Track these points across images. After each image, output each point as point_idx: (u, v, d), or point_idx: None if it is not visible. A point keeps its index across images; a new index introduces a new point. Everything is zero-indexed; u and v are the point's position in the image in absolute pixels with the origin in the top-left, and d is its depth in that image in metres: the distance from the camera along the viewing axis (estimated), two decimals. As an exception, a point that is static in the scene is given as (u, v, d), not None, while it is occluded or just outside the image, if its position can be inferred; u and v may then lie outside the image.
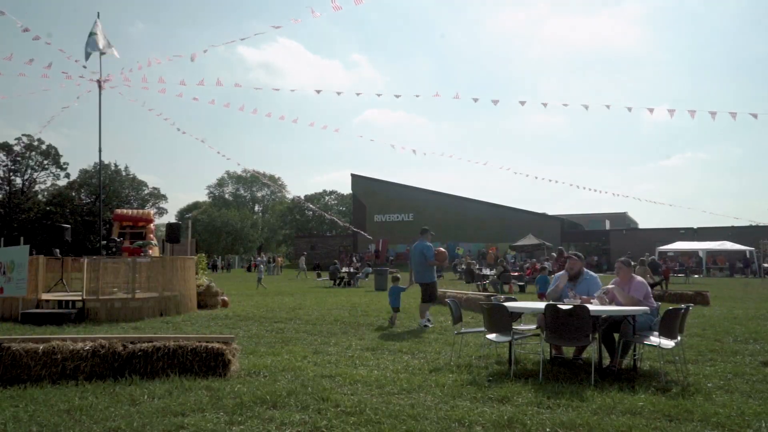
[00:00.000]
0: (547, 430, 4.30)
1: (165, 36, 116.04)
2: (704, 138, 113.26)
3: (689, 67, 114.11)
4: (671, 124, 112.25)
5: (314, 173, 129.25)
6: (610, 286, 6.76)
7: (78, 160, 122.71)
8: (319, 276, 33.63)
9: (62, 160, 64.15)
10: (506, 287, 20.54)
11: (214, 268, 50.93)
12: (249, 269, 54.56)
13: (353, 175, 59.44)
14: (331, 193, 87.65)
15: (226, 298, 14.87)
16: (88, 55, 17.12)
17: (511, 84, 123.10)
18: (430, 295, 10.63)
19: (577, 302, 6.36)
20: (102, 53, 17.22)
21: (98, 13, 17.43)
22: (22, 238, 12.95)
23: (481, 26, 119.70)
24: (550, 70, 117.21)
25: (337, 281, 26.01)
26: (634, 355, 6.39)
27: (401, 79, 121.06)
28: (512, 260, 40.32)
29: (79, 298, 11.66)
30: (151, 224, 18.21)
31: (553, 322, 6.04)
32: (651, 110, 15.36)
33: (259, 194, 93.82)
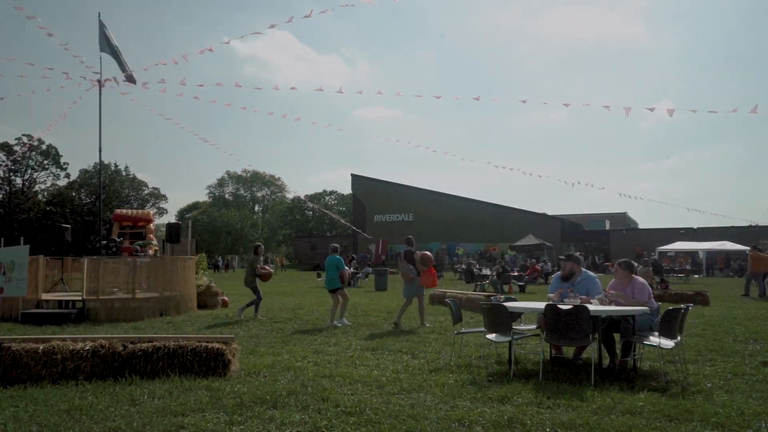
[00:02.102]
0: (547, 430, 4.30)
1: (144, 24, 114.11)
2: (705, 137, 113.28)
3: (692, 62, 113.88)
4: (672, 123, 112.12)
5: (313, 173, 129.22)
6: (611, 291, 6.76)
7: (78, 160, 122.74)
8: (319, 276, 33.63)
9: (62, 160, 64.24)
10: (506, 287, 20.54)
11: (215, 268, 51.00)
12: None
13: (353, 175, 59.45)
14: (331, 193, 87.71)
15: (226, 298, 14.88)
16: (124, 70, 17.03)
17: (510, 81, 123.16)
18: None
19: (577, 302, 6.36)
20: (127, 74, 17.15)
21: (99, 13, 17.41)
22: (22, 238, 12.94)
23: (478, 21, 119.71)
24: (549, 66, 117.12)
25: (337, 281, 25.97)
26: (634, 355, 6.39)
27: (398, 74, 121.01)
28: (511, 260, 40.33)
29: (79, 298, 11.67)
30: (151, 224, 18.21)
31: (553, 322, 6.04)
32: (651, 109, 15.30)
33: (259, 194, 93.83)
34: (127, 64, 17.12)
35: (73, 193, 63.86)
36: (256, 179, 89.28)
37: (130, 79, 17.11)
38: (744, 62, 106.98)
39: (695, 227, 45.59)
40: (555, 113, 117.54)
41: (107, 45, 16.81)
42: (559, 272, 7.52)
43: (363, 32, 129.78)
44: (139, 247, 16.08)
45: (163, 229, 22.76)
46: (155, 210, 67.64)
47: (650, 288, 6.95)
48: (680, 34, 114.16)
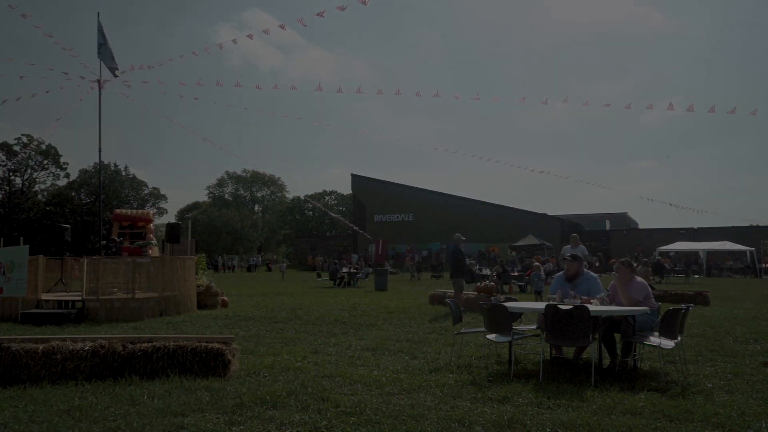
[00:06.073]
0: (547, 430, 4.30)
1: (131, 17, 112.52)
2: (706, 136, 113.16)
3: (701, 57, 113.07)
4: (674, 121, 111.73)
5: (313, 173, 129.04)
6: (610, 290, 6.76)
7: (78, 160, 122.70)
8: (319, 276, 33.65)
9: (62, 160, 64.26)
10: (506, 287, 20.53)
11: (215, 268, 51.08)
12: (249, 269, 54.87)
13: (353, 175, 59.46)
14: (331, 193, 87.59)
15: (226, 298, 14.87)
16: (112, 69, 17.04)
17: (510, 76, 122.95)
18: None
19: (577, 302, 6.36)
20: (116, 69, 17.16)
21: (98, 13, 17.39)
22: (22, 238, 12.94)
23: (478, 16, 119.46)
24: (551, 57, 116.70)
25: (337, 281, 26.04)
26: (634, 355, 6.39)
27: (397, 71, 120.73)
28: (514, 260, 40.32)
29: (79, 298, 11.66)
30: (151, 224, 18.19)
31: (553, 322, 6.04)
32: (649, 107, 15.28)
33: (259, 194, 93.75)
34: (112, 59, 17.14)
35: (73, 193, 63.89)
36: (256, 179, 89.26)
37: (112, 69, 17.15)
38: (754, 60, 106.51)
39: (695, 227, 45.63)
40: (556, 112, 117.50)
41: (103, 45, 16.80)
42: (560, 272, 7.51)
43: (360, 27, 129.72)
44: (142, 248, 16.07)
45: (163, 229, 22.76)
46: (155, 210, 67.69)
47: (650, 288, 6.95)
48: (698, 22, 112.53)
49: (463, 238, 13.15)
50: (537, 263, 11.81)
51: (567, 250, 12.61)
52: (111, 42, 17.23)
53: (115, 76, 17.44)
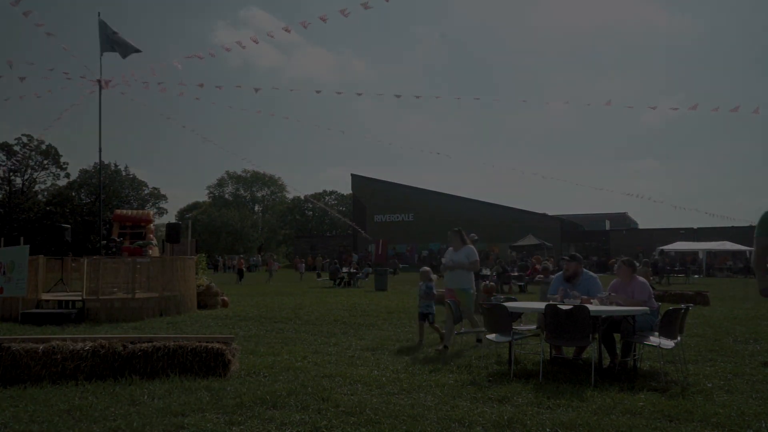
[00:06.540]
0: (547, 430, 4.30)
1: (124, 10, 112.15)
2: (707, 136, 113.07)
3: (703, 56, 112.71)
4: (675, 121, 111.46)
5: (313, 171, 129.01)
6: (612, 294, 6.76)
7: (78, 160, 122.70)
8: (319, 276, 33.67)
9: (62, 160, 64.28)
10: (506, 287, 20.54)
11: (215, 268, 51.08)
12: (249, 269, 54.93)
13: (353, 175, 59.48)
14: (331, 193, 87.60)
15: (226, 298, 14.87)
16: (124, 49, 17.01)
17: (511, 75, 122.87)
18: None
19: (577, 302, 6.36)
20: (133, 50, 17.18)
21: (99, 12, 17.38)
22: (22, 238, 12.93)
23: (478, 15, 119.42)
24: (551, 57, 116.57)
25: (337, 281, 26.05)
26: (634, 355, 6.39)
27: (396, 71, 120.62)
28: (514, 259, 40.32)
29: (79, 298, 11.67)
30: (151, 224, 18.21)
31: (553, 322, 6.04)
32: (653, 108, 15.29)
33: (259, 194, 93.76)
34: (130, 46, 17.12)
35: (73, 193, 63.91)
36: (256, 179, 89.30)
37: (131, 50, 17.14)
38: (755, 59, 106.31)
39: (695, 227, 45.63)
40: (556, 110, 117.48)
41: (109, 41, 16.79)
42: (560, 272, 7.52)
43: (359, 26, 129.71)
44: (142, 248, 16.08)
45: (163, 229, 22.76)
46: (155, 210, 67.68)
47: (651, 288, 6.95)
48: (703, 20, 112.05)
49: (476, 237, 11.37)
50: (426, 268, 8.85)
51: (449, 252, 8.77)
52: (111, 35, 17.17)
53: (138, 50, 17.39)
